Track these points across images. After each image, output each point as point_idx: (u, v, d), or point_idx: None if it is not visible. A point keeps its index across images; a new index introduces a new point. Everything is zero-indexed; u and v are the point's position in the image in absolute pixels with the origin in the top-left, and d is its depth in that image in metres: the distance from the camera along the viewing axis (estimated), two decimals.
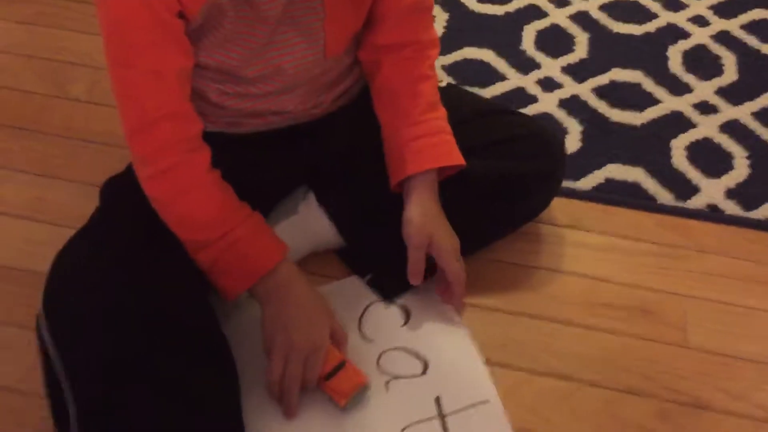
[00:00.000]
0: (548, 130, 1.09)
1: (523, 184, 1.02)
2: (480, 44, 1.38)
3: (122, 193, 0.90)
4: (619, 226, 1.13)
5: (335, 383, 0.88)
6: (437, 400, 0.90)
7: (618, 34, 1.41)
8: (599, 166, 1.20)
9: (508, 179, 1.00)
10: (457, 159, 0.95)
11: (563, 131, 1.24)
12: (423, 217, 0.94)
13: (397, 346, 0.95)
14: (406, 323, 0.98)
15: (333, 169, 1.03)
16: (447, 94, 0.99)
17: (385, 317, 0.99)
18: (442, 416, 0.89)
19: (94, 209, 0.91)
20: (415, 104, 0.95)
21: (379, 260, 1.02)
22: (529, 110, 1.27)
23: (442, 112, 0.97)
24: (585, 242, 1.11)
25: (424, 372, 0.93)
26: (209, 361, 0.80)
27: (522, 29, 1.41)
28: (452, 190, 0.96)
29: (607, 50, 1.38)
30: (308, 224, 1.01)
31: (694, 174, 1.19)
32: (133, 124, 0.84)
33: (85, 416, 0.74)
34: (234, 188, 0.90)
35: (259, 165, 0.97)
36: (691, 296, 1.05)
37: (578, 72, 1.34)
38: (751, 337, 1.01)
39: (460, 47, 1.37)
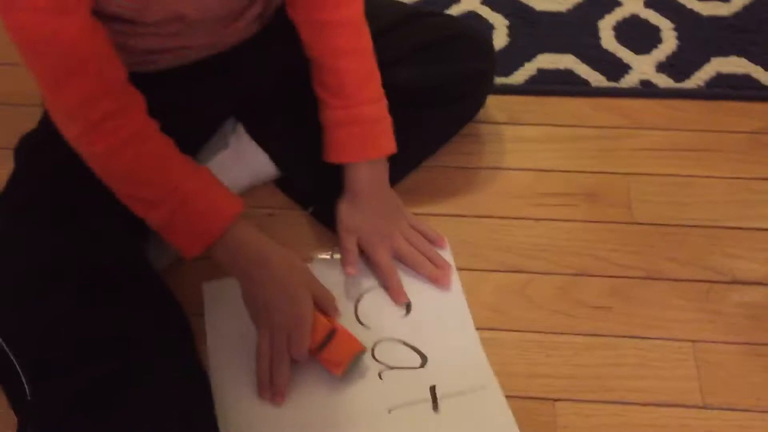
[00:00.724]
0: (475, 29, 1.07)
1: (456, 87, 1.00)
2: None
3: (38, 151, 0.86)
4: (556, 115, 1.13)
5: (328, 353, 0.83)
6: (432, 388, 0.86)
7: None
8: (529, 58, 1.19)
9: (440, 85, 0.98)
10: (388, 147, 0.93)
11: (489, 28, 1.22)
12: (356, 206, 0.93)
13: (395, 338, 0.90)
14: (407, 314, 0.92)
15: (261, 98, 1.01)
16: (367, 4, 0.96)
17: (385, 305, 0.93)
18: (435, 399, 0.85)
19: (11, 173, 0.88)
20: (347, 82, 0.91)
21: (321, 189, 1.00)
22: (453, 11, 1.25)
23: (375, 84, 0.92)
24: (525, 136, 1.11)
25: (422, 365, 0.88)
26: (149, 310, 0.78)
27: None
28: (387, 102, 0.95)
29: None
30: (241, 158, 0.99)
31: (624, 53, 1.19)
32: (49, 77, 0.77)
33: (34, 383, 0.73)
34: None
35: (183, 103, 0.93)
36: (633, 174, 1.06)
37: None
38: (695, 204, 1.03)
39: None
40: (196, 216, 0.82)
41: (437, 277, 0.94)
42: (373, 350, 0.89)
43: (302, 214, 1.02)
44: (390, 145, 0.93)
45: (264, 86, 1.00)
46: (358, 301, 0.94)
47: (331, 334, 0.84)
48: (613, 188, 1.04)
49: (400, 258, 0.95)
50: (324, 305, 0.85)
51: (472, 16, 1.24)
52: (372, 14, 0.96)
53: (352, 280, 0.95)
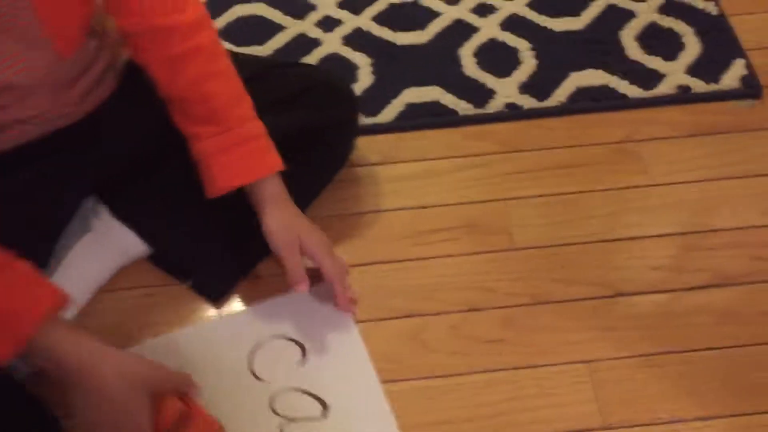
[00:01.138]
0: (334, 76, 1.06)
1: (320, 136, 0.99)
2: None
3: None
4: (429, 149, 1.13)
5: None
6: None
7: None
8: (396, 94, 1.18)
9: (302, 136, 0.97)
10: (276, 163, 0.90)
11: (353, 68, 1.21)
12: (282, 222, 0.90)
13: (292, 387, 0.88)
14: (303, 358, 0.91)
15: (121, 170, 0.96)
16: None
17: (279, 353, 0.91)
18: None
19: None
20: (218, 106, 0.88)
21: (198, 259, 0.97)
22: (315, 55, 1.23)
23: (246, 104, 0.89)
24: (401, 174, 1.10)
25: (323, 414, 0.86)
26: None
27: None
28: None
29: None
30: (106, 239, 0.94)
31: (487, 78, 1.20)
32: None
33: None
34: (9, 219, 0.81)
35: (34, 186, 0.87)
36: (511, 198, 1.07)
37: (353, 3, 1.30)
38: (572, 222, 1.04)
39: (229, 6, 1.30)
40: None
41: (344, 299, 0.92)
42: (272, 404, 0.86)
43: (183, 288, 0.98)
44: (277, 161, 0.90)
45: (124, 156, 0.95)
46: (252, 354, 0.91)
47: (184, 416, 0.76)
48: (493, 216, 1.05)
49: (322, 265, 0.91)
50: (177, 388, 0.78)
51: (334, 58, 1.23)
52: None
53: (240, 335, 0.92)
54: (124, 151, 0.94)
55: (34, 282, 0.74)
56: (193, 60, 0.87)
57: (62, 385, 0.73)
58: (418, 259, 1.01)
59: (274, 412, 0.86)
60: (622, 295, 0.97)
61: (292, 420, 0.85)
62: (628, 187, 1.07)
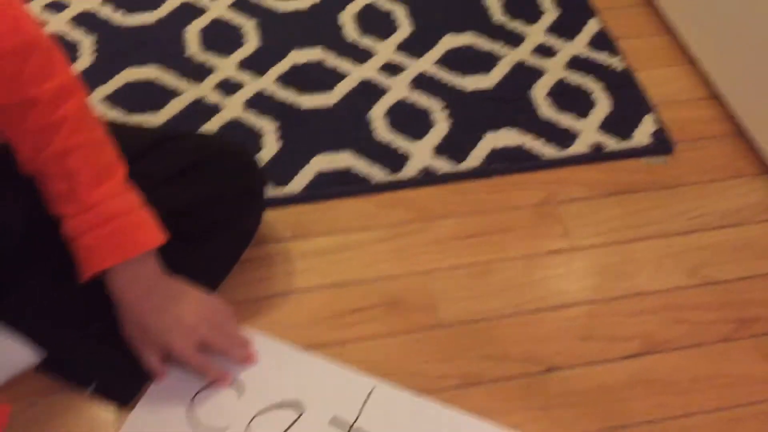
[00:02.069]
0: (234, 144, 0.99)
1: (222, 209, 0.91)
2: (141, 61, 1.22)
3: None
4: (342, 220, 1.06)
5: None
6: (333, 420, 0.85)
7: (285, 13, 1.32)
8: (305, 162, 1.11)
9: (203, 209, 0.90)
10: (149, 240, 0.82)
11: (258, 135, 1.14)
12: (134, 324, 0.83)
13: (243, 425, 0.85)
14: (241, 396, 0.87)
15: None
16: (111, 133, 0.84)
17: (219, 399, 0.87)
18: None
19: None
20: (78, 182, 0.79)
21: (98, 362, 0.87)
22: (216, 121, 1.15)
23: (116, 177, 0.81)
24: (314, 249, 1.03)
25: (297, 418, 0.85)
26: None
27: (183, 32, 1.27)
28: None
29: (280, 33, 1.29)
30: None
31: (399, 142, 1.15)
32: None
33: None
34: None
35: None
36: (431, 270, 1.01)
37: (256, 64, 1.23)
38: (494, 293, 0.99)
39: (118, 71, 1.20)
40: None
41: (245, 358, 0.89)
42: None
43: (77, 395, 0.87)
44: (152, 237, 0.82)
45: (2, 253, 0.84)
46: (189, 408, 0.85)
47: None
48: (415, 291, 0.99)
49: (207, 347, 0.86)
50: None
51: (236, 125, 1.15)
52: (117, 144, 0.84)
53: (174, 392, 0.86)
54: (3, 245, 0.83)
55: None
56: (56, 132, 0.78)
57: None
58: (340, 343, 0.93)
59: None
60: (552, 369, 0.92)
61: None
62: (550, 252, 1.04)
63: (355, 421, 0.85)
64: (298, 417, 0.85)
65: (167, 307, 0.84)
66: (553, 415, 0.88)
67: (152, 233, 0.82)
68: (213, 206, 0.91)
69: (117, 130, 0.89)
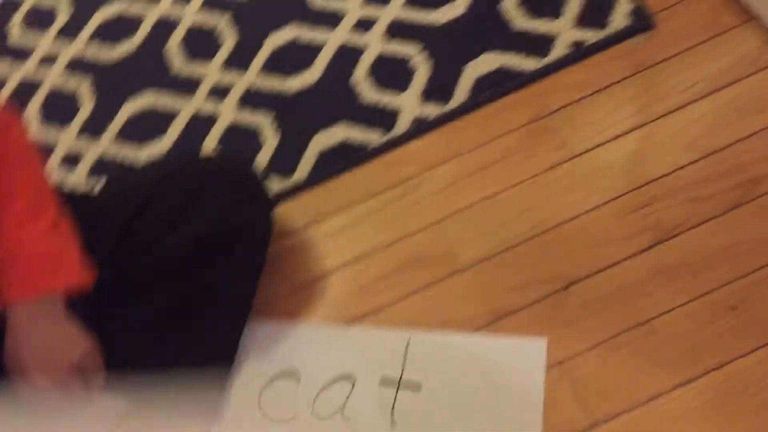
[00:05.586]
0: (229, 159, 1.06)
1: (234, 230, 0.97)
2: (135, 90, 1.29)
3: None
4: (349, 194, 1.12)
5: None
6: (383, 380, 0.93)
7: None
8: (305, 146, 1.17)
9: (216, 238, 0.95)
10: (47, 283, 0.83)
11: (257, 132, 1.20)
12: (11, 357, 0.85)
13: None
14: (300, 382, 0.97)
15: None
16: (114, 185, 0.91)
17: (281, 392, 0.96)
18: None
19: None
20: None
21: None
22: (215, 133, 1.22)
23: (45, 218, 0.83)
24: (329, 231, 1.10)
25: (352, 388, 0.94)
26: None
27: (164, 51, 1.33)
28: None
29: (254, 20, 1.32)
30: None
31: (387, 98, 1.18)
32: None
33: None
34: None
35: None
36: (442, 219, 1.07)
37: (238, 60, 1.28)
38: (505, 223, 1.04)
39: (119, 106, 1.28)
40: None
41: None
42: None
43: None
44: (51, 280, 0.83)
45: None
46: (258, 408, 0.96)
47: None
48: (430, 242, 1.05)
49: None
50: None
51: (234, 128, 1.22)
52: (120, 196, 0.92)
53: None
54: None
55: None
56: None
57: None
58: (372, 312, 1.02)
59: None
60: (574, 283, 0.98)
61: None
62: (551, 167, 1.07)
63: (401, 376, 0.94)
64: (353, 387, 0.95)
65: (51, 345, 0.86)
66: (580, 327, 0.94)
67: (54, 275, 0.83)
68: (224, 229, 0.96)
69: (118, 184, 0.96)
